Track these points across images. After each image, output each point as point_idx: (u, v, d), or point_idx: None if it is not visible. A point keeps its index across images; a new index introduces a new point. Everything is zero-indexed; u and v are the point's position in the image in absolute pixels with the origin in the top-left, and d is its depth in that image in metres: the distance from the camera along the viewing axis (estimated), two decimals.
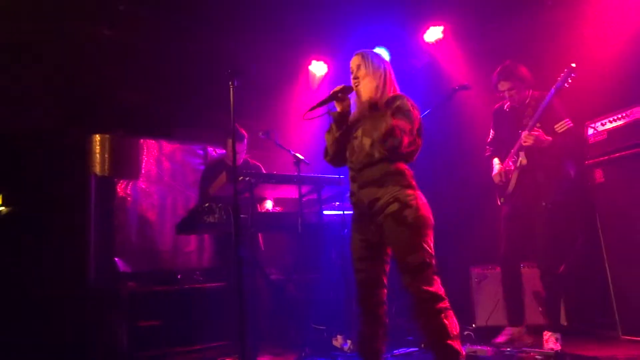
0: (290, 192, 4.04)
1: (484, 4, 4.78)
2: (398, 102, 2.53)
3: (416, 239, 2.39)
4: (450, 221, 5.09)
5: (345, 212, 4.14)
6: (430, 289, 2.35)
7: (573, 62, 3.42)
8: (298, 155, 3.79)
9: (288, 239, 4.98)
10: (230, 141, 4.40)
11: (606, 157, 3.82)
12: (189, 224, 3.70)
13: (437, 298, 2.36)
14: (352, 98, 2.65)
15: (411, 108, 2.51)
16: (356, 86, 2.62)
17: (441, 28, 5.20)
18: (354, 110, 2.65)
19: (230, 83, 2.74)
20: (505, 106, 3.85)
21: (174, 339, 3.94)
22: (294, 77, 5.98)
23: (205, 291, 4.37)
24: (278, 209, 4.61)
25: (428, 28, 5.26)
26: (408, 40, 5.41)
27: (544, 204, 3.53)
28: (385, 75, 2.61)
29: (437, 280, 2.40)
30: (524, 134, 3.52)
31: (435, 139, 3.89)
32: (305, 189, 3.80)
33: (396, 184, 2.46)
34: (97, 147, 4.91)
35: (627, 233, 3.67)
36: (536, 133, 3.50)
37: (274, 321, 4.28)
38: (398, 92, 2.64)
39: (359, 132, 2.58)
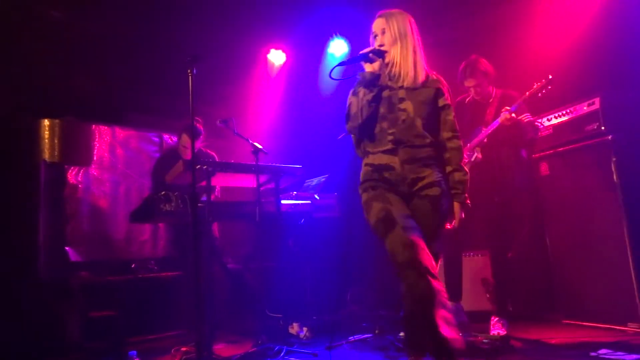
0: (248, 181, 4.03)
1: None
2: (448, 96, 2.55)
3: (442, 229, 2.47)
4: None
5: (303, 202, 4.18)
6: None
7: (550, 74, 3.54)
8: (256, 144, 3.79)
9: (245, 228, 4.98)
10: (184, 136, 4.35)
11: (552, 151, 4.02)
12: (144, 212, 3.64)
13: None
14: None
15: None
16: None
17: None
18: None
19: (189, 71, 2.69)
20: (467, 99, 3.97)
21: (128, 329, 3.88)
22: (253, 66, 5.95)
23: (161, 280, 4.32)
24: None
25: None
26: (368, 30, 5.46)
27: (496, 199, 3.68)
28: (415, 44, 2.50)
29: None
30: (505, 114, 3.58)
31: None
32: (263, 178, 3.81)
33: (439, 170, 2.49)
34: (47, 133, 4.73)
35: (570, 222, 3.89)
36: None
37: (231, 309, 4.28)
38: (426, 64, 2.56)
39: (407, 106, 2.45)
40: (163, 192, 3.44)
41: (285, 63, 5.99)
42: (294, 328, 3.93)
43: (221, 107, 5.79)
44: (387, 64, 2.49)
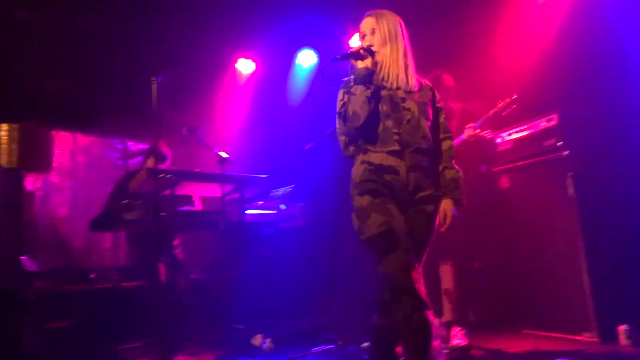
0: (213, 190, 4.00)
1: (407, 12, 4.98)
2: (440, 102, 2.54)
3: (429, 246, 2.38)
4: None
5: (268, 212, 4.17)
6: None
7: (513, 89, 3.70)
8: (222, 153, 3.76)
9: (209, 238, 4.92)
10: (151, 159, 4.25)
11: (512, 165, 4.13)
12: (105, 221, 3.57)
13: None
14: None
15: None
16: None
17: None
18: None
19: (152, 79, 2.65)
20: None
21: (86, 341, 3.77)
22: (221, 74, 5.91)
23: (121, 290, 4.21)
24: None
25: (354, 32, 5.38)
26: (337, 40, 5.48)
27: (459, 212, 3.74)
28: (405, 46, 2.41)
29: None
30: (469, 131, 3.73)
31: None
32: (228, 187, 3.78)
33: (435, 184, 2.41)
34: (4, 137, 4.59)
35: (530, 235, 3.98)
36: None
37: (193, 320, 4.21)
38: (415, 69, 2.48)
39: (410, 105, 2.36)
40: (125, 201, 3.38)
41: (253, 72, 5.98)
42: (257, 339, 3.89)
43: (188, 114, 5.72)
44: (377, 65, 2.37)
